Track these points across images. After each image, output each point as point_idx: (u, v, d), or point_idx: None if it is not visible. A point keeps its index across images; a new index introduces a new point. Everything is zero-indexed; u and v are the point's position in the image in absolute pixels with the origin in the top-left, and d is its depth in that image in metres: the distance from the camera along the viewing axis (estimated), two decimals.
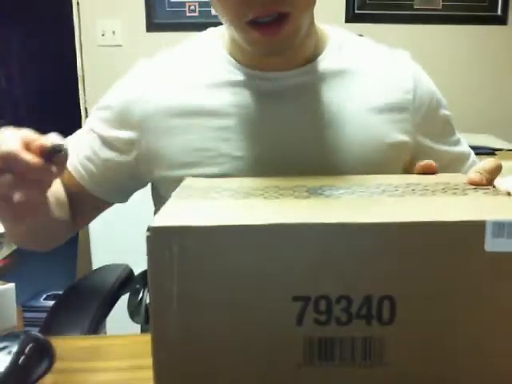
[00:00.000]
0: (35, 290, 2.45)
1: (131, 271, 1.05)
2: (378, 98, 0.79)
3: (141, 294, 1.05)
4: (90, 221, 0.90)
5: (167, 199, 0.50)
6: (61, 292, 2.57)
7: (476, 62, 2.22)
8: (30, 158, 0.54)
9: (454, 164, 0.87)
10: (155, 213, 0.55)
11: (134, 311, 1.04)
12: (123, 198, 0.88)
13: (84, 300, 0.95)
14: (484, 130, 2.02)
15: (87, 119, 0.85)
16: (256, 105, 0.76)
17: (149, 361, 0.56)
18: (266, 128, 0.76)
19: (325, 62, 0.79)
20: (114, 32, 2.13)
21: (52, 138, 0.56)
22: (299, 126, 0.77)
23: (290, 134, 0.76)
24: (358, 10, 2.15)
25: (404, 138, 0.79)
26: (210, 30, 0.83)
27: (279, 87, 0.77)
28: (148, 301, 1.03)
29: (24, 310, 2.28)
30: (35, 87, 4.08)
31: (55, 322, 0.92)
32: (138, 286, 1.06)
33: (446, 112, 0.86)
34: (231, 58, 0.78)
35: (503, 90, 2.22)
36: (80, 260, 2.43)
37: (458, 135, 0.90)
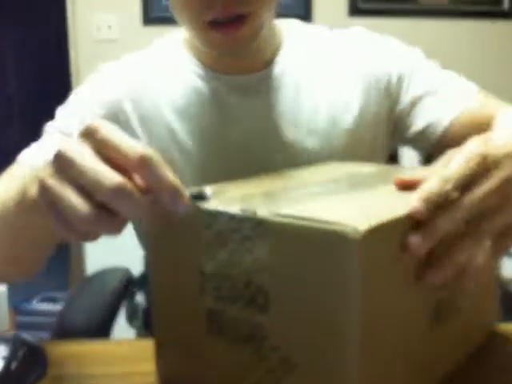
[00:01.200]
0: (27, 292, 2.42)
1: (131, 274, 1.04)
2: (339, 93, 0.79)
3: (138, 299, 1.05)
4: None
5: None
6: (54, 295, 2.56)
7: (482, 56, 2.25)
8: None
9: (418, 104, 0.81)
10: None
11: (132, 315, 1.05)
12: None
13: (94, 302, 0.96)
14: None
15: (50, 126, 0.78)
16: (213, 106, 0.77)
17: (143, 366, 0.56)
18: (221, 129, 0.76)
19: (282, 64, 0.79)
20: (109, 26, 2.13)
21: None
22: (259, 126, 0.77)
23: (249, 136, 0.76)
24: (361, 3, 2.16)
25: (374, 110, 0.80)
26: (172, 35, 0.83)
27: (238, 89, 0.77)
28: (145, 305, 1.05)
29: (16, 313, 2.25)
30: (29, 82, 4.06)
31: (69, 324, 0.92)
32: (135, 290, 1.07)
33: (407, 66, 0.81)
34: (194, 59, 0.79)
35: (509, 84, 2.22)
36: (73, 262, 2.40)
37: (429, 74, 0.82)
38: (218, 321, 0.47)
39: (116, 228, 0.42)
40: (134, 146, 0.40)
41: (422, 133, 0.80)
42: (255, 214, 0.43)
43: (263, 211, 0.42)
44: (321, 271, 0.40)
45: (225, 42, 0.69)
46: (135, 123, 0.77)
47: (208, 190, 0.46)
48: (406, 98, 0.81)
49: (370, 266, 0.39)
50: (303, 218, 0.40)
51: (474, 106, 0.78)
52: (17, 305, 2.28)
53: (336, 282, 0.39)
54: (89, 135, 0.42)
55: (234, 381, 0.47)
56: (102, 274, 1.07)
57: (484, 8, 2.22)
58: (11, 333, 0.54)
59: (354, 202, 0.47)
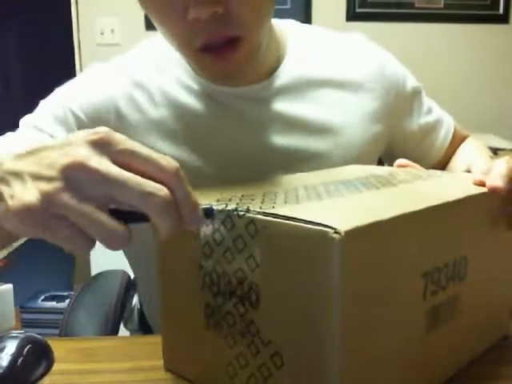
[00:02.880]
0: (33, 291, 2.44)
1: (129, 277, 1.05)
2: (343, 101, 0.78)
3: (134, 301, 1.04)
4: None
5: None
6: (59, 293, 2.58)
7: (478, 60, 2.23)
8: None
9: (428, 135, 0.88)
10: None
11: (127, 318, 1.03)
12: None
13: (99, 303, 0.96)
14: (486, 130, 2.02)
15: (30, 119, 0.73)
16: (211, 118, 0.73)
17: (147, 362, 0.57)
18: (219, 142, 0.73)
19: (284, 75, 0.76)
20: (112, 30, 2.12)
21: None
22: (258, 140, 0.74)
23: (248, 150, 0.74)
24: (358, 8, 2.14)
25: (377, 128, 0.80)
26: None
27: (236, 103, 0.74)
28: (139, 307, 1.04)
29: (22, 312, 2.27)
30: (33, 86, 4.07)
31: (76, 324, 0.92)
32: (132, 293, 1.05)
33: (413, 85, 0.85)
34: (189, 69, 0.74)
35: (505, 89, 2.22)
36: (78, 261, 2.42)
37: (428, 102, 0.89)
38: (215, 316, 0.49)
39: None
40: (167, 158, 0.39)
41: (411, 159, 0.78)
42: (246, 213, 0.44)
43: (254, 211, 0.44)
44: (305, 270, 0.41)
45: (218, 67, 0.66)
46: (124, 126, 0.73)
47: (215, 207, 0.45)
48: (412, 120, 0.85)
49: (352, 265, 0.39)
50: (290, 218, 0.41)
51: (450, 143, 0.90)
52: (23, 303, 2.30)
53: (319, 281, 0.40)
54: (103, 144, 0.38)
55: (229, 375, 0.48)
56: (104, 275, 1.07)
57: (479, 12, 2.21)
58: (18, 332, 0.55)
59: (346, 204, 0.47)
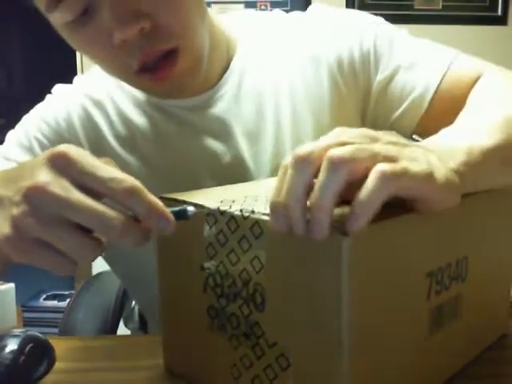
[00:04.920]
0: (35, 290, 2.44)
1: None
2: (302, 89, 0.72)
3: (134, 301, 1.05)
4: None
5: None
6: (60, 292, 2.57)
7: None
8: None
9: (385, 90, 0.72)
10: None
11: (128, 317, 1.04)
12: None
13: (99, 301, 0.96)
14: None
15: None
16: (157, 130, 0.72)
17: (147, 361, 0.57)
18: (165, 152, 0.71)
19: (232, 80, 0.72)
20: None
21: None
22: (211, 142, 0.71)
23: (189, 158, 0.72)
24: (358, 9, 2.10)
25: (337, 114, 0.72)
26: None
27: (181, 113, 0.72)
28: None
29: (23, 310, 2.28)
30: (36, 86, 4.07)
31: (75, 322, 0.92)
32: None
33: (363, 48, 0.72)
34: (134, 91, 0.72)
35: None
36: None
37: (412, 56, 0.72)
38: (219, 317, 0.48)
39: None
40: (122, 178, 0.40)
41: (405, 113, 0.71)
42: (251, 214, 0.44)
43: (259, 212, 0.43)
44: (311, 271, 0.40)
45: (158, 87, 0.63)
46: (84, 143, 0.73)
47: (190, 208, 0.44)
48: (376, 81, 0.72)
49: (360, 267, 0.39)
50: None
51: (449, 80, 0.69)
52: (24, 302, 2.31)
53: (326, 282, 0.39)
54: (62, 164, 0.40)
55: (233, 376, 0.48)
56: (104, 274, 1.07)
57: (478, 14, 2.21)
58: (20, 330, 0.56)
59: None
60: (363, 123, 0.74)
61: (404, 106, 0.71)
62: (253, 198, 0.49)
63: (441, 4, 2.19)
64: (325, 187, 0.35)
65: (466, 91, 0.65)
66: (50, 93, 0.78)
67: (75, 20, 0.58)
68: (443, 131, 0.50)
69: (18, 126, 0.75)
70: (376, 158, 0.36)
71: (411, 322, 0.46)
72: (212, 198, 0.49)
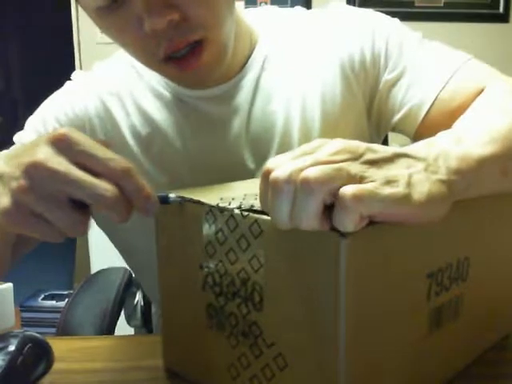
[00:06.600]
0: (33, 290, 2.44)
1: (131, 274, 1.05)
2: (317, 84, 0.72)
3: (137, 298, 1.05)
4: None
5: None
6: (59, 292, 2.57)
7: (477, 59, 2.22)
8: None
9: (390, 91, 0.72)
10: None
11: (131, 315, 1.04)
12: None
13: (97, 300, 0.96)
14: None
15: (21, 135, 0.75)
16: (177, 125, 0.72)
17: (146, 361, 0.57)
18: (185, 147, 0.72)
19: (253, 72, 0.73)
20: None
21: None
22: (232, 135, 0.72)
23: (211, 154, 0.72)
24: (358, 7, 2.13)
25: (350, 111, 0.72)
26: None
27: (203, 105, 0.72)
28: (143, 304, 1.05)
29: (22, 310, 2.28)
30: (34, 85, 4.08)
31: (73, 321, 0.92)
32: (134, 290, 1.06)
33: (374, 51, 0.72)
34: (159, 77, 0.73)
35: None
36: (78, 260, 2.43)
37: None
38: (218, 316, 0.48)
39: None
40: (119, 159, 0.44)
41: (404, 118, 0.71)
42: (250, 213, 0.44)
43: (258, 211, 0.43)
44: (310, 271, 0.40)
45: (184, 76, 0.64)
46: (100, 134, 0.74)
47: (172, 194, 0.48)
48: (383, 81, 0.73)
49: (358, 267, 0.39)
50: None
51: (449, 90, 0.69)
52: (23, 302, 2.31)
53: (325, 281, 0.39)
54: (62, 145, 0.43)
55: (231, 375, 0.48)
56: (104, 272, 1.08)
57: (480, 11, 2.21)
58: (18, 331, 0.55)
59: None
60: (369, 120, 0.75)
61: (403, 111, 0.72)
62: (252, 196, 0.49)
63: (442, 1, 2.19)
64: (303, 211, 0.37)
65: (466, 103, 0.65)
66: (49, 93, 0.78)
67: (107, 5, 0.59)
68: (441, 134, 0.49)
69: (37, 112, 0.77)
70: (349, 180, 0.37)
71: (410, 322, 0.46)
72: (211, 195, 0.49)
